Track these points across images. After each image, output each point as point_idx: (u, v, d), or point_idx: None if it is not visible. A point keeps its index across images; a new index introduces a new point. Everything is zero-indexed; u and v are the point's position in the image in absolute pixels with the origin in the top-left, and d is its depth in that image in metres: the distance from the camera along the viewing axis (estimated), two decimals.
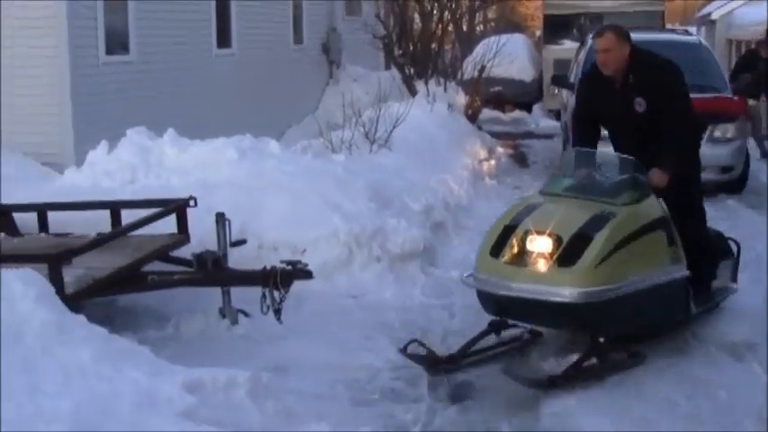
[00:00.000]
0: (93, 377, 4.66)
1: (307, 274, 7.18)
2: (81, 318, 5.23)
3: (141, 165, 10.17)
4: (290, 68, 19.37)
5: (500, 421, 5.80)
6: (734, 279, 7.78)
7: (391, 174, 10.80)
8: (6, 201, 8.51)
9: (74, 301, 5.99)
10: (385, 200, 9.72)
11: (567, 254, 6.29)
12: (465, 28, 26.85)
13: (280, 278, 7.06)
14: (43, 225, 8.24)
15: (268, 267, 7.16)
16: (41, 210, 8.30)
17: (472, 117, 17.64)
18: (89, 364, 4.75)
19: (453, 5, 22.52)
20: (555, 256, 6.29)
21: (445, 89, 18.47)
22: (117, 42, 13.61)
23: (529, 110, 24.70)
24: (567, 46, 22.27)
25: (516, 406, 5.98)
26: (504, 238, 6.60)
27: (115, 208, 8.07)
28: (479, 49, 22.09)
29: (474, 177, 13.55)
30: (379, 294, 8.22)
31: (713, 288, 7.47)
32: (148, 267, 7.42)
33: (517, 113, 24.25)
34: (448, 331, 7.49)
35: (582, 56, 15.05)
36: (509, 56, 21.79)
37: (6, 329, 4.81)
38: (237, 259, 7.64)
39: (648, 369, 6.48)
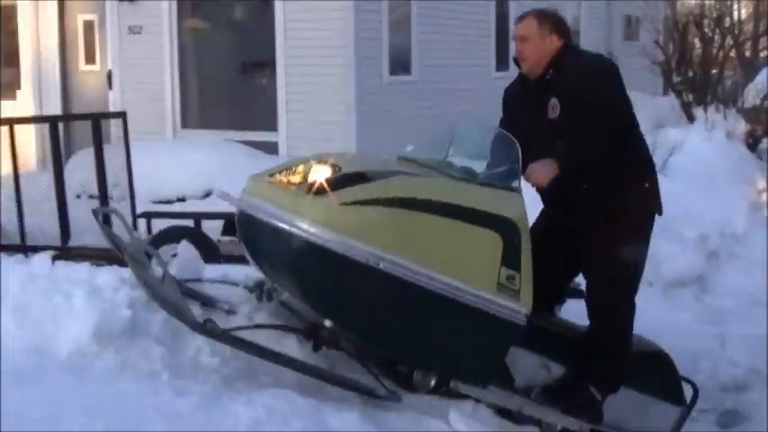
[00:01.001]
0: None
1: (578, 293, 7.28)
2: None
3: None
4: None
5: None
6: None
7: (666, 200, 10.72)
8: None
9: None
10: (660, 225, 9.67)
11: (330, 183, 4.60)
12: (748, 54, 26.09)
13: None
14: None
15: None
16: None
17: (752, 146, 17.18)
18: None
19: (737, 31, 21.98)
20: (317, 183, 4.62)
21: (725, 116, 18.07)
22: (400, 63, 14.10)
23: None
24: None
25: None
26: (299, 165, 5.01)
27: None
28: (763, 76, 21.47)
29: (751, 207, 13.22)
30: (650, 318, 8.22)
31: (609, 419, 5.52)
32: None
33: None
34: (718, 359, 7.46)
35: None
36: None
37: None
38: None
39: None
